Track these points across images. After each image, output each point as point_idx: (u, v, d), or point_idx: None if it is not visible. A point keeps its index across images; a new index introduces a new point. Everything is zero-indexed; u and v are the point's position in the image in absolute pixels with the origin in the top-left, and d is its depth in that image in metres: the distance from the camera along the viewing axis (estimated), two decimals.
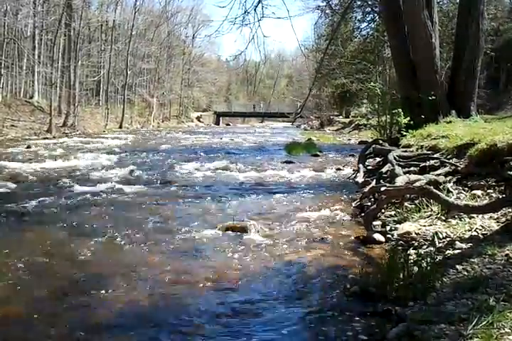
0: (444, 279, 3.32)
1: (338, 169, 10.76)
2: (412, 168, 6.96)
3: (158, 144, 19.29)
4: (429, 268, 3.50)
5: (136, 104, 40.27)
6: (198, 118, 51.83)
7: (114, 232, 5.16)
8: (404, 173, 6.26)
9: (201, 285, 3.70)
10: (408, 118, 10.36)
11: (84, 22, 30.33)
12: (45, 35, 29.92)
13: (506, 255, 3.49)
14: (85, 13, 30.66)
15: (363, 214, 5.72)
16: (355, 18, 22.19)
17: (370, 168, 9.23)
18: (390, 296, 3.23)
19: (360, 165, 8.91)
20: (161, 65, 44.32)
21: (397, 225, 5.11)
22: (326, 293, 3.54)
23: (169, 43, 46.31)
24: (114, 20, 36.72)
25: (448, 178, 6.02)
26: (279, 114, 47.18)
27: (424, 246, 4.31)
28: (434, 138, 8.04)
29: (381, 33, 19.22)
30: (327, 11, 20.75)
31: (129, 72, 36.00)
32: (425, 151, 7.66)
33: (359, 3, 19.73)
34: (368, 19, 21.29)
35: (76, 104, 27.43)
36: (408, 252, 4.16)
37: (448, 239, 4.33)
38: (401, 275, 3.45)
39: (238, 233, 5.16)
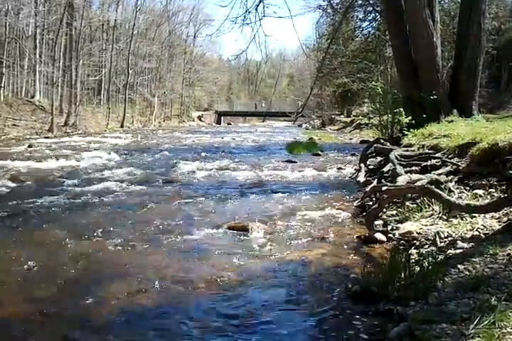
0: (446, 279, 3.31)
1: (340, 168, 10.75)
2: (413, 168, 6.95)
3: (159, 143, 19.30)
4: (430, 267, 3.49)
5: (138, 104, 40.28)
6: (200, 118, 51.81)
7: (116, 232, 5.17)
8: (406, 173, 6.25)
9: (202, 284, 3.70)
10: (410, 117, 10.34)
11: (86, 21, 30.37)
12: (46, 34, 29.96)
13: (508, 254, 3.49)
14: (86, 13, 30.68)
15: (364, 213, 5.71)
16: (357, 17, 22.24)
17: (371, 167, 9.22)
18: (391, 296, 3.23)
19: (362, 165, 8.90)
20: (162, 65, 44.33)
21: (399, 225, 5.10)
22: (328, 293, 3.54)
23: (170, 42, 46.31)
24: (115, 20, 36.76)
25: (449, 178, 6.01)
26: (280, 113, 47.11)
27: (426, 246, 4.31)
28: (436, 138, 8.03)
29: (382, 32, 19.22)
30: (328, 10, 20.75)
31: (130, 72, 36.01)
32: (427, 151, 7.64)
33: (360, 2, 19.74)
34: (369, 18, 21.33)
35: (77, 104, 27.45)
36: (410, 252, 4.15)
37: (449, 238, 4.33)
38: (402, 275, 3.45)
39: (240, 232, 5.16)
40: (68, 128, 25.67)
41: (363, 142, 17.69)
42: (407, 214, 5.31)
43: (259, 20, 9.71)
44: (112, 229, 5.31)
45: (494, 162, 5.57)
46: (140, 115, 39.29)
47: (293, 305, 3.34)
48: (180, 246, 4.69)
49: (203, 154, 14.44)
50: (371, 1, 19.65)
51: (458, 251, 3.95)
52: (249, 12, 9.85)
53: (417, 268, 3.54)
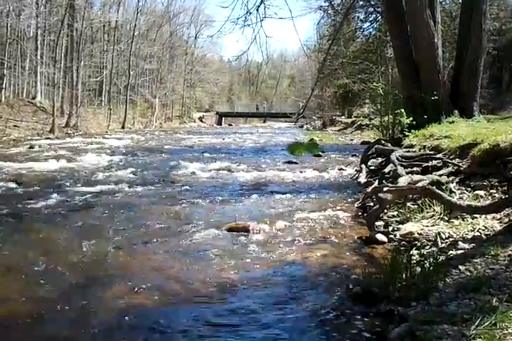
0: (447, 279, 3.31)
1: (341, 169, 10.75)
2: (414, 168, 6.94)
3: (160, 144, 19.31)
4: (431, 268, 3.49)
5: (139, 105, 40.29)
6: (201, 119, 51.81)
7: (116, 232, 5.17)
8: (407, 173, 6.24)
9: (202, 285, 3.70)
10: (411, 118, 10.35)
11: (87, 22, 30.35)
12: (47, 35, 29.99)
13: (509, 255, 3.48)
14: (88, 14, 30.67)
15: (365, 214, 5.71)
16: (358, 18, 22.19)
17: (372, 168, 9.22)
18: (392, 296, 3.23)
19: (363, 166, 8.91)
20: (163, 66, 44.32)
21: (400, 225, 5.11)
22: (329, 293, 3.54)
23: (171, 44, 46.32)
24: (116, 21, 36.77)
25: (451, 178, 6.01)
26: (281, 114, 47.19)
27: (427, 247, 4.30)
28: (437, 139, 8.03)
29: (383, 33, 19.21)
30: (329, 11, 20.71)
31: (131, 73, 36.02)
32: (428, 151, 7.64)
33: (361, 3, 19.70)
34: (370, 19, 21.29)
35: (78, 105, 27.46)
36: (411, 252, 4.15)
37: (451, 239, 4.33)
38: (403, 276, 3.44)
39: (241, 233, 5.16)
40: (69, 129, 25.69)
41: (363, 143, 17.69)
42: (409, 215, 5.31)
43: (260, 21, 9.74)
44: (112, 229, 5.31)
45: (495, 163, 5.57)
46: (141, 116, 39.30)
47: (293, 305, 3.33)
48: (181, 247, 4.69)
49: (203, 155, 14.45)
50: (372, 2, 19.63)
51: (459, 251, 3.95)
52: (250, 13, 9.89)
53: (418, 269, 3.54)
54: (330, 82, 33.21)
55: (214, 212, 6.39)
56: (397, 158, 7.21)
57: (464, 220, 4.66)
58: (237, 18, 9.84)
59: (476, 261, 3.54)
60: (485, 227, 4.36)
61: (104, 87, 36.08)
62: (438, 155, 7.03)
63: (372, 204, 6.11)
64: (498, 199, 4.85)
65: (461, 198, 5.27)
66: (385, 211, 5.69)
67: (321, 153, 14.41)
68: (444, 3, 18.61)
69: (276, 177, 9.74)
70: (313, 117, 41.90)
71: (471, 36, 10.87)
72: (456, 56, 11.89)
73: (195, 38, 51.61)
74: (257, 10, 9.92)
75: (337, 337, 2.91)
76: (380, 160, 9.50)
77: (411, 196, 5.72)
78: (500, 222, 4.37)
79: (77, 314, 3.20)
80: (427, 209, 5.21)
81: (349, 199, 7.18)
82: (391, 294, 3.25)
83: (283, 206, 6.75)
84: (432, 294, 3.11)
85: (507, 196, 4.82)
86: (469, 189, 5.55)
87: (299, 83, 58.73)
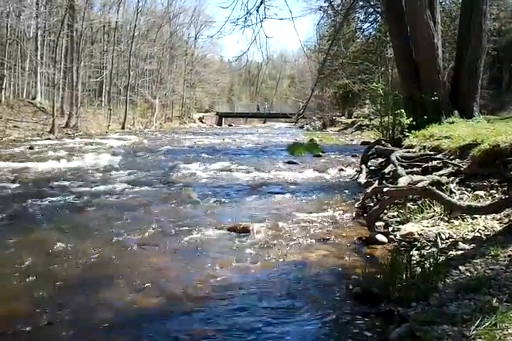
0: (447, 280, 3.31)
1: (341, 170, 10.74)
2: (414, 169, 6.95)
3: (160, 145, 19.31)
4: (431, 268, 3.49)
5: (139, 105, 40.30)
6: (201, 119, 51.82)
7: (117, 233, 5.16)
8: (407, 174, 6.25)
9: (202, 286, 3.70)
10: (411, 118, 10.35)
11: (87, 23, 30.34)
12: (47, 36, 30.00)
13: (509, 256, 3.48)
14: (88, 14, 30.66)
15: (365, 214, 5.71)
16: (358, 18, 22.22)
17: (372, 168, 9.23)
18: (392, 297, 3.23)
19: (363, 166, 8.92)
20: (163, 66, 44.33)
21: (400, 226, 5.11)
22: (329, 294, 3.54)
23: (171, 44, 46.33)
24: (116, 21, 36.78)
25: (451, 179, 6.01)
26: (281, 114, 47.23)
27: (427, 247, 4.30)
28: (437, 139, 8.03)
29: (383, 34, 19.22)
30: (329, 12, 20.71)
31: (131, 73, 36.03)
32: (428, 152, 7.64)
33: (361, 3, 19.73)
34: (370, 19, 21.31)
35: (78, 105, 27.46)
36: (411, 253, 4.14)
37: (451, 239, 4.33)
38: (404, 276, 3.44)
39: (241, 233, 5.16)
40: (69, 129, 25.69)
41: (364, 143, 17.69)
42: (409, 216, 5.31)
43: (260, 21, 9.76)
44: (112, 230, 5.31)
45: (495, 163, 5.57)
46: (141, 116, 39.30)
47: (293, 306, 3.33)
48: (181, 248, 4.69)
49: (203, 155, 14.43)
50: (372, 3, 19.65)
51: (459, 252, 3.95)
52: (250, 14, 9.90)
53: (418, 269, 3.54)
54: (330, 83, 33.20)
55: (214, 212, 6.39)
56: (397, 159, 7.21)
57: (464, 221, 4.66)
58: (237, 19, 9.87)
59: (476, 261, 3.54)
60: (485, 228, 4.36)
61: (104, 87, 36.09)
62: (438, 156, 7.04)
63: (372, 204, 6.12)
64: (498, 199, 4.86)
65: (461, 198, 5.27)
66: (385, 211, 5.69)
67: (321, 154, 14.43)
68: (443, 3, 18.61)
69: (277, 177, 9.74)
70: (314, 117, 41.89)
71: (471, 36, 10.88)
72: (456, 56, 11.91)
73: (195, 39, 51.76)
74: (257, 10, 9.94)
75: (337, 337, 2.91)
76: (380, 160, 9.50)
77: (411, 196, 5.72)
78: (500, 223, 4.37)
79: (77, 314, 3.20)
80: (427, 209, 5.20)
81: (349, 200, 7.17)
82: (391, 294, 3.25)
83: (283, 206, 6.74)
84: (432, 294, 3.11)
85: (507, 196, 4.82)
86: (469, 189, 5.55)
87: (299, 83, 58.75)
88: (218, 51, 66.81)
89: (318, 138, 22.78)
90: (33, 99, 27.82)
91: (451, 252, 3.98)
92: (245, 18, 9.89)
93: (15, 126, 22.44)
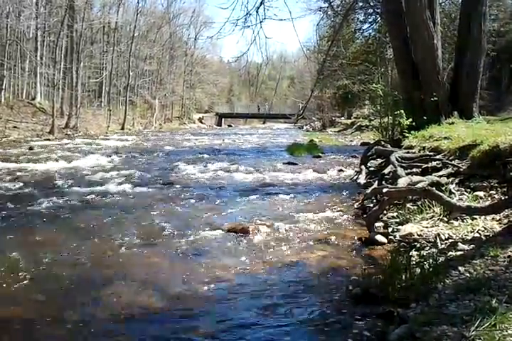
0: (446, 280, 3.31)
1: (340, 170, 10.75)
2: (414, 170, 6.94)
3: (160, 145, 19.31)
4: (431, 269, 3.49)
5: (138, 106, 40.28)
6: (200, 120, 51.80)
7: (115, 233, 5.16)
8: (407, 174, 6.25)
9: (202, 286, 3.70)
10: (410, 119, 10.35)
11: (87, 23, 30.32)
12: (47, 36, 29.99)
13: (509, 256, 3.48)
14: (87, 15, 30.66)
15: (365, 215, 5.72)
16: (357, 19, 22.24)
17: (372, 169, 9.22)
18: (392, 297, 3.23)
19: (363, 167, 8.91)
20: (163, 67, 44.35)
21: (400, 226, 5.11)
22: (328, 295, 3.54)
23: (171, 45, 46.33)
24: (116, 22, 36.75)
25: (450, 179, 6.01)
26: (281, 115, 47.19)
27: (427, 248, 4.30)
28: (437, 140, 8.03)
29: (383, 34, 19.24)
30: (329, 12, 20.71)
31: (131, 74, 36.02)
32: (427, 152, 7.64)
33: (361, 4, 19.72)
34: (369, 20, 21.33)
35: (78, 106, 27.47)
36: (410, 253, 4.14)
37: (450, 240, 4.33)
38: (403, 277, 3.44)
39: (240, 234, 5.16)
40: (69, 130, 25.68)
41: (363, 144, 17.71)
42: (408, 216, 5.31)
43: (260, 22, 9.76)
44: (111, 230, 5.31)
45: (495, 164, 5.57)
46: (141, 117, 39.29)
47: (293, 306, 3.33)
48: (180, 248, 4.69)
49: (203, 156, 14.44)
50: (372, 3, 19.65)
51: (458, 252, 3.95)
52: (249, 14, 9.90)
53: (418, 270, 3.54)
54: (329, 83, 33.21)
55: (213, 213, 6.38)
56: (397, 159, 7.21)
57: (463, 221, 4.67)
58: (237, 20, 9.86)
59: (475, 262, 3.54)
60: (484, 228, 4.36)
61: (103, 88, 36.09)
62: (437, 157, 7.04)
63: (371, 205, 6.12)
64: (497, 200, 4.86)
65: (461, 199, 5.27)
66: (385, 212, 5.69)
67: (320, 154, 14.43)
68: (443, 4, 18.60)
69: (276, 178, 9.74)
70: (313, 118, 41.91)
71: (471, 37, 10.88)
72: (455, 57, 11.91)
73: (195, 39, 51.74)
74: (257, 11, 9.93)
75: (337, 338, 2.91)
76: (379, 161, 9.50)
77: (411, 197, 5.72)
78: (500, 223, 4.37)
79: (77, 314, 3.20)
80: (426, 210, 5.21)
81: (349, 201, 7.18)
82: (391, 295, 3.25)
83: (282, 207, 6.75)
84: (432, 295, 3.11)
85: (506, 197, 4.82)
86: (469, 190, 5.55)
87: (299, 84, 58.75)
88: (218, 52, 66.92)
89: (317, 138, 22.79)
90: (33, 99, 27.81)
91: (450, 253, 3.98)
92: (245, 19, 9.89)
93: (14, 127, 22.43)
